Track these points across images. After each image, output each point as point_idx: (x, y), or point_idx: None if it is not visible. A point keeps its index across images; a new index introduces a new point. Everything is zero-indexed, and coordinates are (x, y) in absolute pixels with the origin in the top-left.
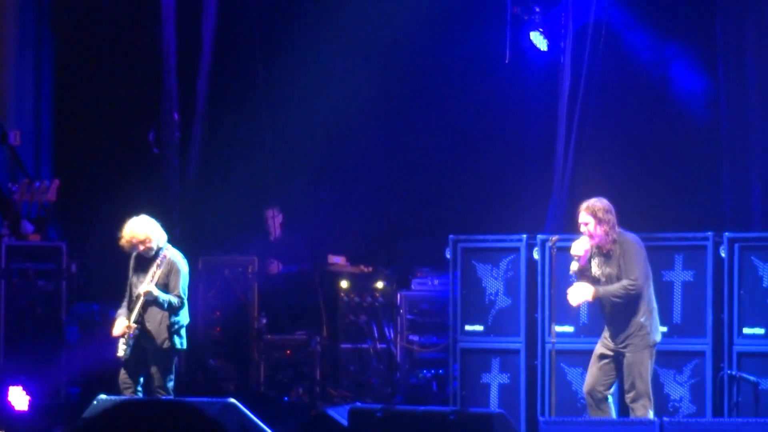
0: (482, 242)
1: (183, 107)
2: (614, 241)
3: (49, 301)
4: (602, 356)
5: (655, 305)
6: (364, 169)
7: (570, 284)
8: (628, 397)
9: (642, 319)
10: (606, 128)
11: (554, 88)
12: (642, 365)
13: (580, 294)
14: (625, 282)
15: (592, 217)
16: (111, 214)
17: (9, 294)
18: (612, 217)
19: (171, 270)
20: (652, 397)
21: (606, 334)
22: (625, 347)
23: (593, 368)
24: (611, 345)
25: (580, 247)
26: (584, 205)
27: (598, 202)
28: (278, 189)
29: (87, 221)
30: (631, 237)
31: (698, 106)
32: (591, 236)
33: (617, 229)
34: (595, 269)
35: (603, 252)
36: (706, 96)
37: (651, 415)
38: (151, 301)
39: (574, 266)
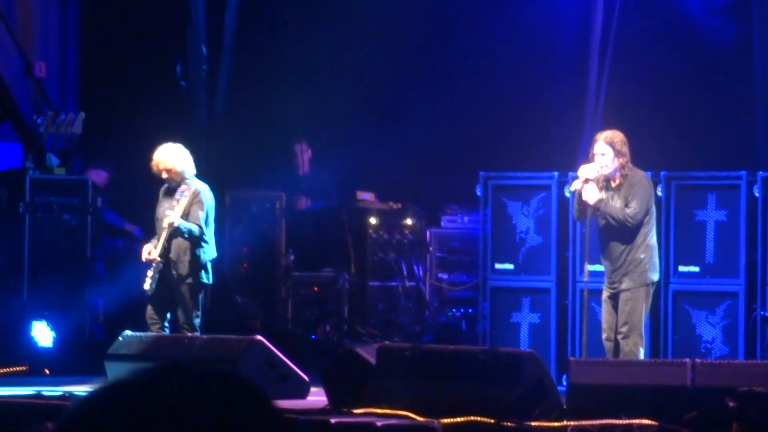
0: (513, 179)
1: (211, 40)
2: (625, 176)
3: (74, 236)
4: (607, 299)
5: (655, 244)
6: (394, 104)
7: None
8: (620, 332)
9: (641, 255)
10: (638, 65)
11: (586, 23)
12: (637, 302)
13: (589, 192)
14: (627, 210)
15: (611, 147)
16: (137, 148)
17: (33, 228)
18: (628, 151)
19: (194, 200)
20: (644, 336)
21: (605, 274)
22: (621, 283)
23: (605, 313)
24: (608, 285)
25: (589, 170)
26: (602, 135)
27: (616, 135)
28: (306, 124)
29: (113, 155)
30: (641, 173)
31: (731, 44)
32: (605, 166)
33: (630, 164)
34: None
35: (612, 186)
36: (739, 34)
37: (641, 355)
38: (177, 232)
39: (576, 183)
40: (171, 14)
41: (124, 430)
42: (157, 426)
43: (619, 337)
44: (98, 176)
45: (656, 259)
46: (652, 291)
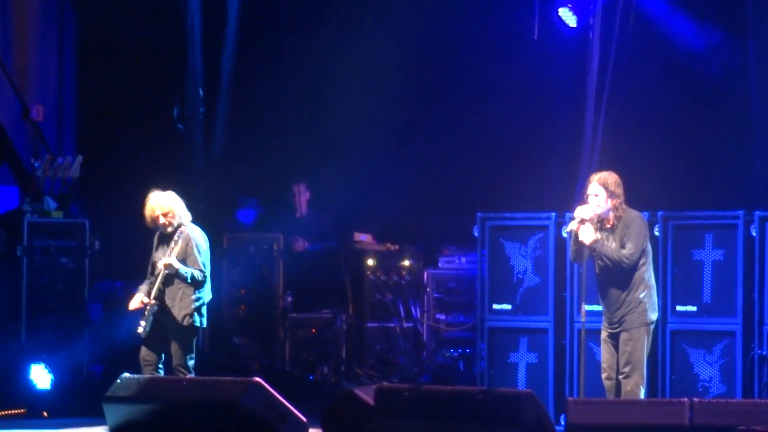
0: (510, 220)
1: (208, 82)
2: (619, 217)
3: (71, 279)
4: (607, 339)
5: (654, 283)
6: (391, 146)
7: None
8: (623, 372)
9: (641, 296)
10: (635, 105)
11: (583, 64)
12: (638, 342)
13: (586, 233)
14: (622, 251)
15: (604, 189)
16: (134, 191)
17: (31, 271)
18: (622, 192)
19: (188, 245)
20: (645, 376)
21: (604, 316)
22: (621, 324)
23: (604, 353)
24: (608, 326)
25: (585, 210)
26: (596, 177)
27: (610, 176)
28: (304, 166)
29: (110, 198)
30: (636, 213)
31: (728, 83)
32: (598, 206)
33: (624, 205)
34: None
35: (606, 227)
36: (736, 73)
37: (642, 394)
38: (172, 276)
39: (572, 224)
40: (168, 57)
41: None
42: None
43: (621, 377)
44: (247, 216)
45: (655, 299)
46: (651, 330)
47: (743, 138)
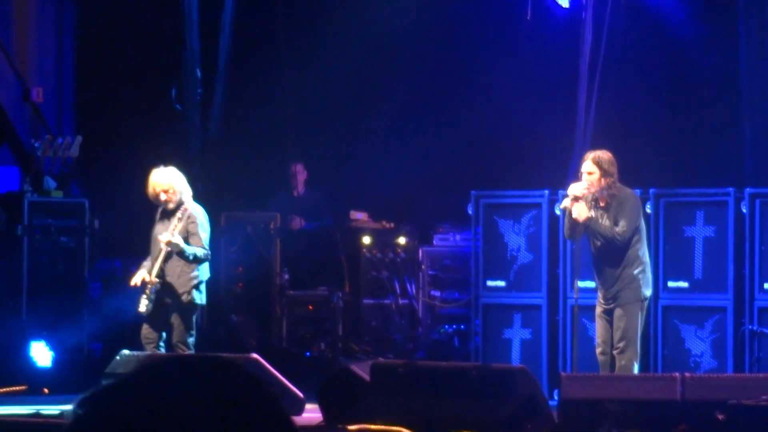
0: (504, 198)
1: (205, 64)
2: (612, 195)
3: (71, 258)
4: (601, 315)
5: (648, 260)
6: (387, 125)
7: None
8: (617, 348)
9: (635, 272)
10: (627, 84)
11: (576, 44)
12: (632, 317)
13: (579, 210)
14: (616, 228)
15: (598, 167)
16: (133, 171)
17: (32, 250)
18: (616, 171)
19: (191, 223)
20: (639, 351)
21: (599, 292)
22: (615, 300)
23: (599, 328)
24: (603, 301)
25: (578, 188)
26: (590, 155)
27: (604, 154)
28: (300, 145)
29: (109, 178)
30: (629, 191)
31: (719, 62)
32: (591, 185)
33: (618, 184)
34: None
35: (600, 205)
36: (726, 52)
37: (636, 369)
38: (173, 254)
39: (566, 202)
40: (166, 39)
41: (126, 428)
42: (159, 420)
43: (616, 352)
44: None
45: (649, 275)
46: (646, 306)
47: (734, 116)
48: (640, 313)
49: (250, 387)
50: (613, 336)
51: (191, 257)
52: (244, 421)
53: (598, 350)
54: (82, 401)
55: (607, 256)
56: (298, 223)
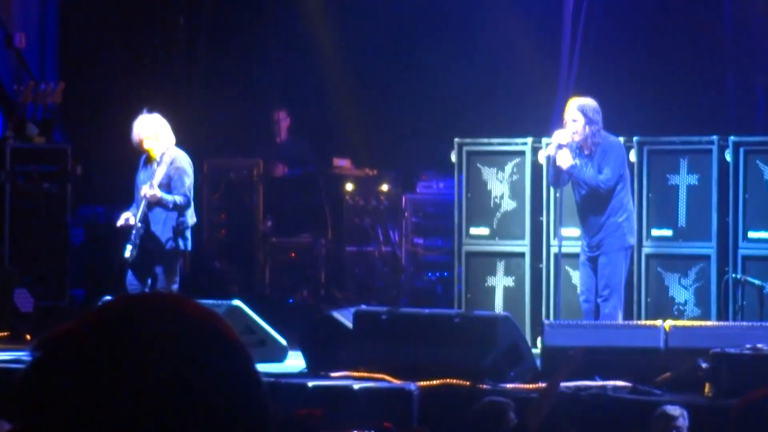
0: (487, 145)
1: (189, 9)
2: (597, 144)
3: (53, 204)
4: (586, 262)
5: (632, 208)
6: (370, 72)
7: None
8: (601, 296)
9: (620, 220)
10: (611, 30)
11: None
12: (617, 265)
13: (563, 157)
14: (599, 176)
15: (582, 114)
16: (117, 117)
17: (14, 197)
18: (600, 118)
19: (174, 168)
20: (622, 298)
21: (582, 240)
22: (599, 248)
23: (582, 276)
24: (587, 249)
25: (562, 135)
26: (575, 103)
27: (589, 102)
28: (285, 91)
29: (92, 124)
30: (614, 139)
31: (704, 10)
32: (576, 133)
33: (602, 132)
34: None
35: (585, 153)
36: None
37: (620, 317)
38: (155, 203)
39: (550, 149)
40: None
41: (87, 369)
42: (120, 365)
43: (600, 300)
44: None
45: (634, 223)
46: (630, 254)
47: (718, 64)
48: (624, 261)
49: (215, 331)
50: (598, 284)
51: (171, 206)
52: (208, 366)
53: (581, 298)
54: (41, 342)
55: (592, 204)
56: (281, 170)
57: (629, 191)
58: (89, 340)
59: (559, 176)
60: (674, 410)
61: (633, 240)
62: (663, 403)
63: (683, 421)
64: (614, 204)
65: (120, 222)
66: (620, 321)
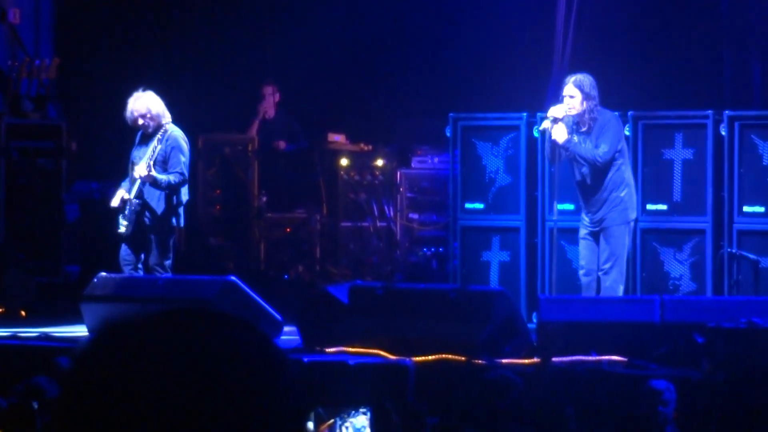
0: (482, 120)
1: None
2: (594, 119)
3: (48, 180)
4: (587, 236)
5: (633, 183)
6: (364, 46)
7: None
8: (602, 269)
9: (622, 194)
10: (606, 6)
11: None
12: (619, 239)
13: (558, 132)
14: (596, 150)
15: (579, 90)
16: (112, 93)
17: (9, 173)
18: (597, 94)
19: (170, 146)
20: (624, 273)
21: (583, 215)
22: (601, 223)
23: (583, 249)
24: (588, 223)
25: (557, 110)
26: (571, 78)
27: (585, 78)
28: (278, 67)
29: (88, 99)
30: (610, 114)
31: None
32: (572, 108)
33: (599, 107)
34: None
35: (582, 129)
36: None
37: (620, 291)
38: (152, 183)
39: (545, 123)
40: None
41: (133, 371)
42: (165, 369)
43: (601, 273)
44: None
45: (635, 197)
46: (632, 228)
47: (713, 38)
48: (627, 235)
49: (253, 341)
50: (600, 257)
51: (165, 184)
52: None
53: (581, 271)
54: (105, 329)
55: (592, 180)
56: (283, 144)
57: (629, 165)
58: (147, 340)
59: (554, 151)
60: (660, 385)
61: (634, 214)
62: (658, 378)
63: (669, 395)
64: (615, 178)
65: (115, 202)
66: (620, 293)
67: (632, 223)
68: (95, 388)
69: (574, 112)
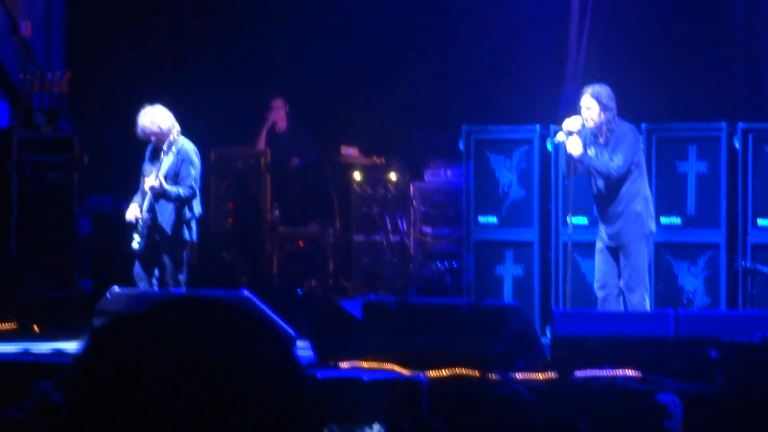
0: (495, 133)
1: None
2: (611, 131)
3: (60, 194)
4: (603, 250)
5: (649, 195)
6: (377, 58)
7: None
8: (627, 286)
9: (638, 208)
10: (619, 16)
11: None
12: (639, 255)
13: (573, 145)
14: (611, 163)
15: (597, 101)
16: (124, 106)
17: (21, 186)
18: (614, 105)
19: (181, 159)
20: (648, 286)
21: (600, 228)
22: (620, 237)
23: (599, 263)
24: (606, 238)
25: (572, 123)
26: (589, 89)
27: (603, 89)
28: (290, 79)
29: (100, 113)
30: (628, 126)
31: None
32: (589, 120)
33: (616, 118)
34: None
35: (599, 141)
36: None
37: (647, 304)
38: (162, 196)
39: (560, 136)
40: None
41: (139, 359)
42: (170, 356)
43: (626, 290)
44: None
45: (652, 210)
46: (651, 241)
47: (727, 50)
48: (646, 249)
49: (261, 334)
50: (622, 275)
51: (175, 198)
52: (252, 362)
53: (597, 285)
54: (97, 331)
55: (607, 192)
56: (295, 161)
57: (645, 178)
58: (143, 334)
59: (570, 165)
60: (666, 398)
61: (653, 226)
62: (672, 393)
63: (675, 409)
64: (630, 191)
65: (128, 216)
66: (647, 308)
67: (651, 236)
68: (103, 379)
69: (591, 123)
